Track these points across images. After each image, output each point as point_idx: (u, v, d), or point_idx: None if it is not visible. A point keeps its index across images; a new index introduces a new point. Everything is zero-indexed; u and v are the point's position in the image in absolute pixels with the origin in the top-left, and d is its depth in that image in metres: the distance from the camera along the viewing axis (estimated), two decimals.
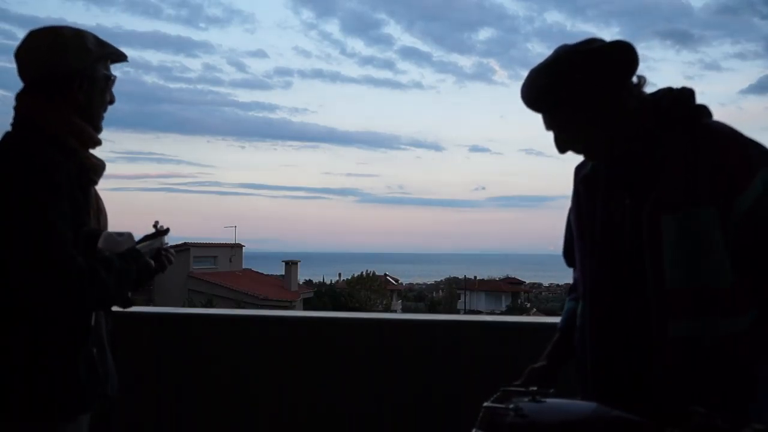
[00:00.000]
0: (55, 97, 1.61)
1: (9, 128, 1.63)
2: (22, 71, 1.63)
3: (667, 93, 1.43)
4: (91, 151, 1.68)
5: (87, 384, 1.58)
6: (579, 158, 1.56)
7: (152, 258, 1.75)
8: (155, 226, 1.85)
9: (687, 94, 1.41)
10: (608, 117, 1.39)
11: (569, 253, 1.68)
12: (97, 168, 1.67)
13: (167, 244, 1.85)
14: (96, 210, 1.69)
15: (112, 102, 1.74)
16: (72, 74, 1.61)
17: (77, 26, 1.67)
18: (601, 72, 1.36)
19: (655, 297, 1.34)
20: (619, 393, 1.40)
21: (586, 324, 1.49)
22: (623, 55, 1.37)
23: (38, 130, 1.57)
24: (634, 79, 1.41)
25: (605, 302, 1.44)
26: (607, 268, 1.44)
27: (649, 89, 1.46)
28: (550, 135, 1.47)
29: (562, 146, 1.46)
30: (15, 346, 1.51)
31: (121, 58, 1.76)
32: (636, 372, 1.38)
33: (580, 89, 1.36)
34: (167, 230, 1.82)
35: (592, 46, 1.38)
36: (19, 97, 1.63)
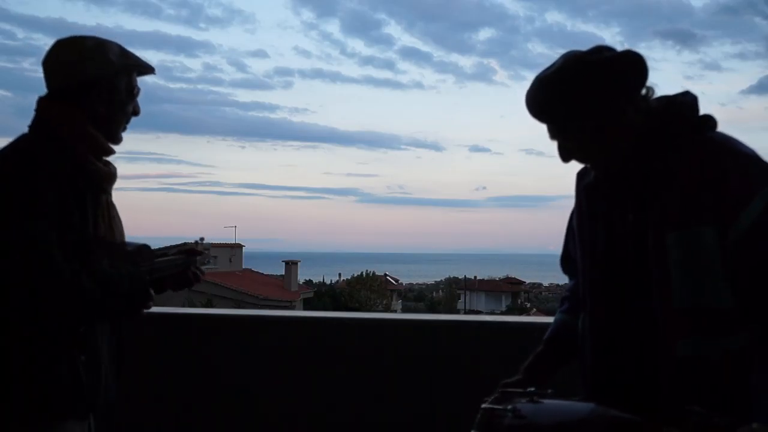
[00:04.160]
0: (73, 105, 1.63)
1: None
2: (46, 79, 1.67)
3: (671, 103, 1.39)
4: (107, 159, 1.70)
5: (71, 390, 1.56)
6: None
7: (175, 274, 1.74)
8: (191, 244, 1.84)
9: (691, 104, 1.38)
10: (615, 130, 1.36)
11: (566, 261, 1.67)
12: (106, 176, 1.68)
13: (207, 262, 1.83)
14: (108, 219, 1.69)
15: (136, 113, 1.75)
16: (91, 84, 1.63)
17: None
18: (610, 85, 1.33)
19: (662, 315, 1.32)
20: (621, 404, 1.39)
21: (586, 335, 1.49)
22: (633, 68, 1.34)
23: (50, 135, 1.60)
24: (643, 91, 1.37)
25: (606, 314, 1.43)
26: (609, 281, 1.43)
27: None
28: (552, 138, 1.45)
29: (566, 156, 1.44)
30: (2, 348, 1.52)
31: (147, 70, 1.77)
32: (637, 385, 1.37)
33: (587, 102, 1.33)
34: (200, 252, 1.82)
35: (602, 57, 1.34)
36: (40, 102, 1.67)
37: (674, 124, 1.36)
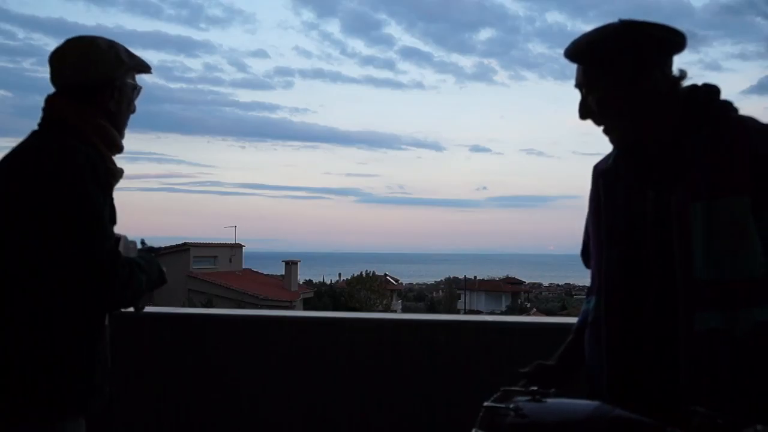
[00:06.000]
0: (88, 103, 1.67)
1: (35, 128, 1.69)
2: (57, 77, 1.69)
3: (695, 87, 1.44)
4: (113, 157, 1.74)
5: (90, 387, 1.61)
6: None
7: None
8: (143, 243, 1.89)
9: (713, 89, 1.43)
10: (636, 90, 1.40)
11: (586, 254, 1.67)
12: (116, 174, 1.72)
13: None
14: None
15: (133, 111, 1.81)
16: (106, 83, 1.69)
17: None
18: (643, 42, 1.38)
19: (683, 288, 1.32)
20: (635, 388, 1.39)
21: (601, 317, 1.48)
22: (668, 35, 1.40)
23: (71, 132, 1.63)
24: (676, 71, 1.43)
25: (623, 295, 1.43)
26: (627, 261, 1.43)
27: None
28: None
29: (584, 110, 1.47)
30: (39, 343, 1.53)
31: (146, 69, 1.83)
32: (656, 365, 1.37)
33: (617, 50, 1.39)
34: (158, 250, 1.88)
35: (647, 21, 1.41)
36: (51, 100, 1.69)
37: (699, 105, 1.41)
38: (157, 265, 1.74)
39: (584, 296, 1.73)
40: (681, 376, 1.32)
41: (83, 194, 1.52)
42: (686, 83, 1.46)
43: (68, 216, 1.51)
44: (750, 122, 1.38)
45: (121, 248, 1.64)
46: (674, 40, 1.40)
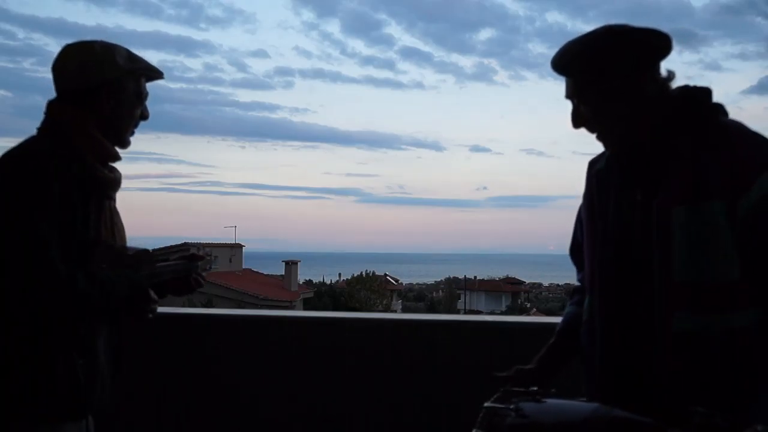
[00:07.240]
0: (81, 108, 1.64)
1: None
2: (55, 83, 1.68)
3: (687, 89, 1.45)
4: (114, 164, 1.71)
5: (69, 393, 1.56)
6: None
7: (176, 279, 1.73)
8: (192, 248, 1.80)
9: (704, 92, 1.44)
10: (627, 96, 1.40)
11: (576, 252, 1.68)
12: (110, 183, 1.68)
13: (208, 268, 1.79)
14: (111, 225, 1.69)
15: (145, 117, 1.76)
16: (98, 87, 1.64)
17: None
18: (631, 47, 1.39)
19: (661, 290, 1.35)
20: (628, 386, 1.41)
21: (595, 317, 1.49)
22: (655, 39, 1.40)
23: (61, 138, 1.61)
24: (664, 72, 1.43)
25: (614, 295, 1.45)
26: (618, 262, 1.45)
27: None
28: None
29: (577, 120, 1.47)
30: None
31: (155, 75, 1.77)
32: (644, 366, 1.39)
33: (606, 58, 1.39)
34: (202, 258, 1.80)
35: (629, 27, 1.42)
36: (49, 105, 1.68)
37: (689, 108, 1.41)
38: (135, 285, 1.61)
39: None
40: (657, 377, 1.34)
41: (17, 209, 1.48)
42: (689, 83, 1.46)
43: (9, 222, 1.48)
44: (736, 127, 1.39)
45: (99, 257, 1.59)
46: (659, 45, 1.40)
